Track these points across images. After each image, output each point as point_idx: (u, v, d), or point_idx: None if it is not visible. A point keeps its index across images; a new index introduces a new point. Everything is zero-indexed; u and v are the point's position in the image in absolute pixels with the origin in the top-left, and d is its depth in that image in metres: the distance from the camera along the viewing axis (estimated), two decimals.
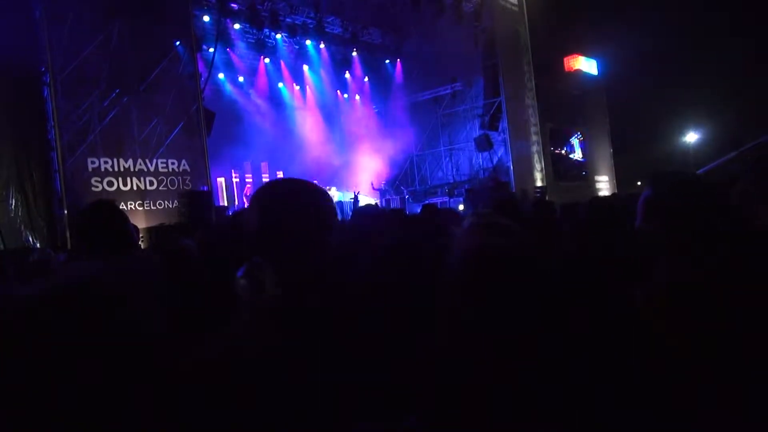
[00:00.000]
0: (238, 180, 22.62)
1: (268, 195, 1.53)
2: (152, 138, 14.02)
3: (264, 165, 23.58)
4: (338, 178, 23.41)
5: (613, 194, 19.81)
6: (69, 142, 12.35)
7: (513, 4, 23.55)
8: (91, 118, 12.90)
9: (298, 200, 1.45)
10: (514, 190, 20.98)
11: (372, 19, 21.95)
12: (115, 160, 13.34)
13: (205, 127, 14.45)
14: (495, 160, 23.04)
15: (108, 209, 2.38)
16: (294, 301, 1.22)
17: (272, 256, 1.32)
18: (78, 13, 12.36)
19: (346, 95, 26.81)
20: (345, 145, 23.60)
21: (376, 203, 21.67)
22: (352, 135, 24.22)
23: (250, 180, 22.99)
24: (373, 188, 22.39)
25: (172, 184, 14.35)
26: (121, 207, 2.77)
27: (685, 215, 1.46)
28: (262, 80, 23.12)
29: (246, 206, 1.56)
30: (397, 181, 26.36)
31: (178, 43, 15.14)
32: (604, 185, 28.94)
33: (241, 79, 22.73)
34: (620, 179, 30.23)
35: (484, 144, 22.19)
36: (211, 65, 16.56)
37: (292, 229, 1.35)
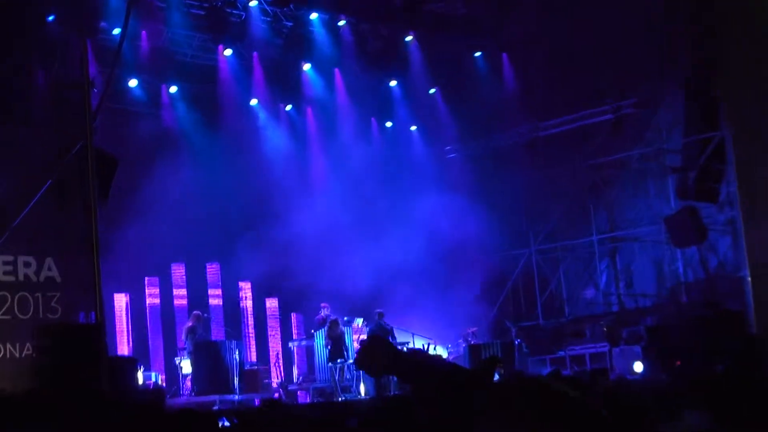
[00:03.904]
0: (158, 301, 23.27)
1: None
2: None
3: (212, 268, 24.06)
4: (372, 301, 23.70)
5: None
6: None
7: None
8: None
9: None
10: (754, 332, 20.57)
11: None
12: None
13: (98, 188, 15.04)
14: (713, 263, 23.07)
15: None
16: None
17: None
18: None
19: (389, 124, 27.76)
20: (386, 228, 23.93)
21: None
22: (402, 207, 24.66)
23: (184, 299, 23.45)
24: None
25: (24, 309, 14.73)
26: None
27: None
28: (216, 93, 24.16)
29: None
30: (497, 307, 26.57)
31: (51, 18, 16.03)
32: None
33: (173, 89, 23.90)
34: None
35: (689, 229, 22.37)
36: (114, 62, 17.27)
37: None
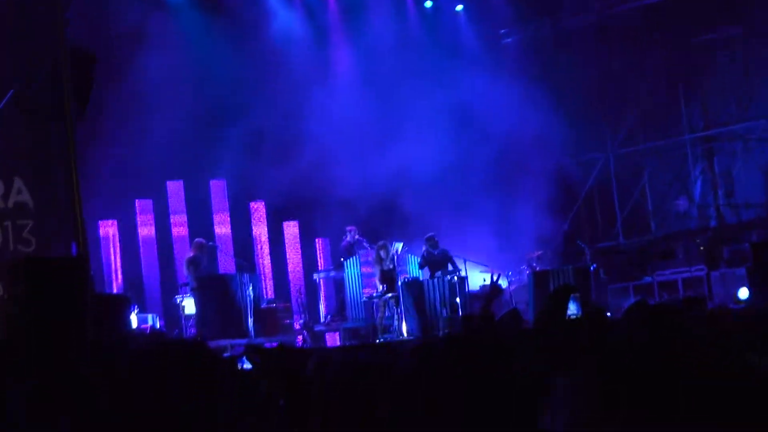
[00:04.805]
0: (153, 229, 23.36)
1: None
2: None
3: (217, 187, 24.11)
4: (414, 219, 23.91)
5: None
6: None
7: None
8: None
9: None
10: None
11: None
12: None
13: (75, 93, 15.06)
14: None
15: None
16: None
17: None
18: None
19: (429, 3, 27.43)
20: (427, 131, 23.88)
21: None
22: (448, 104, 24.63)
23: (184, 226, 23.69)
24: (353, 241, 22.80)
25: None
26: None
27: None
28: None
29: None
30: (567, 225, 26.88)
31: None
32: None
33: None
34: None
35: None
36: None
37: None
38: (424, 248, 22.56)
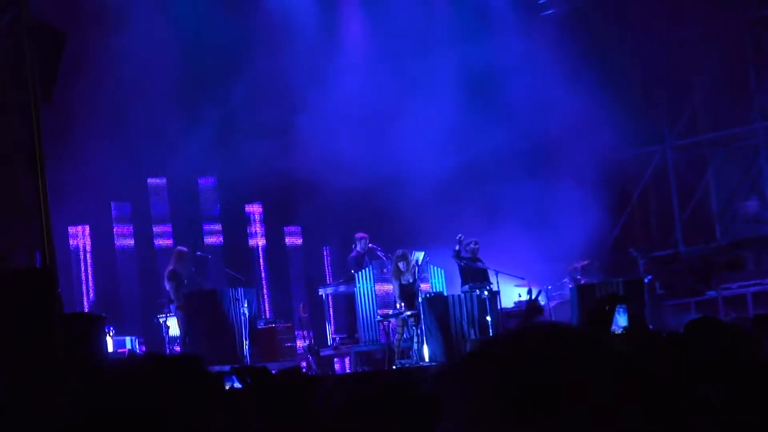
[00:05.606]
0: (131, 237, 23.42)
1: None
2: None
3: (207, 185, 24.14)
4: (433, 224, 23.81)
5: None
6: None
7: None
8: None
9: None
10: None
11: None
12: None
13: (40, 77, 15.12)
14: None
15: None
16: None
17: None
18: None
19: None
20: (451, 115, 23.89)
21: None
22: (477, 85, 24.62)
23: (169, 237, 23.49)
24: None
25: None
26: None
27: None
28: None
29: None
30: (618, 230, 26.86)
31: None
32: None
33: None
34: None
35: None
36: None
37: None
38: (462, 251, 22.44)
